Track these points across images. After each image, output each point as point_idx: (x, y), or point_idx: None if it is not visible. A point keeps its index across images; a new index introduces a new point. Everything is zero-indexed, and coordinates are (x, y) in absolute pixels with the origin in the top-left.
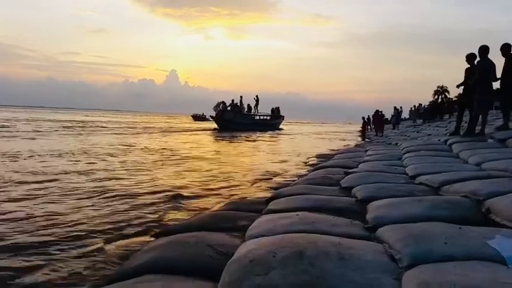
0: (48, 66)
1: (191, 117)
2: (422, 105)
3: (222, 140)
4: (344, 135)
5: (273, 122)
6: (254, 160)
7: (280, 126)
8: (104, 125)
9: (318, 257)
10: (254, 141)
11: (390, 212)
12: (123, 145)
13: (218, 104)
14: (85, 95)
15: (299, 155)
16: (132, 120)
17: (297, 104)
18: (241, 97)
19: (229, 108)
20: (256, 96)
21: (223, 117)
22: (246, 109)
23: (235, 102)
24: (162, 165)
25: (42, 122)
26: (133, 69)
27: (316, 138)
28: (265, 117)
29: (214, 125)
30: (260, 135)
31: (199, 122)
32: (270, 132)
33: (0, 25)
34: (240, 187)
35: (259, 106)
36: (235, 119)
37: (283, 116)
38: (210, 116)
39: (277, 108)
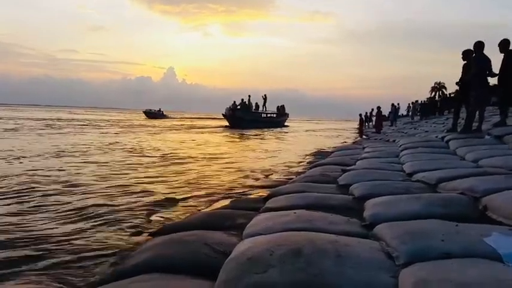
0: (46, 64)
1: (143, 114)
2: (418, 102)
3: (232, 137)
4: (342, 132)
5: (278, 119)
6: (256, 157)
7: (285, 124)
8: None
9: (316, 254)
10: (260, 138)
11: (387, 210)
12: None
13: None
14: (82, 92)
15: (298, 152)
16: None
17: (295, 100)
18: (249, 96)
19: (239, 107)
20: (265, 95)
21: (234, 116)
22: (254, 107)
23: (244, 101)
24: (159, 165)
25: (24, 120)
26: (130, 67)
27: (315, 136)
28: (271, 115)
29: (169, 123)
30: (266, 132)
31: (153, 119)
32: (275, 129)
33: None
34: (239, 185)
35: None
36: (245, 117)
37: (288, 114)
38: (222, 114)
39: (282, 106)
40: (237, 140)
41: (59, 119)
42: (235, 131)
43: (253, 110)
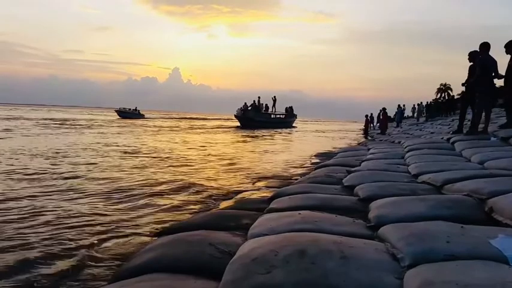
0: (51, 64)
1: (116, 113)
2: (423, 103)
3: (242, 137)
4: (348, 134)
5: (287, 120)
6: (262, 157)
7: (293, 124)
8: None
9: (320, 255)
10: (269, 138)
11: (392, 211)
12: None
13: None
14: (88, 92)
15: (304, 152)
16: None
17: (299, 101)
18: (259, 97)
19: (250, 108)
20: (274, 96)
21: (245, 116)
22: (263, 108)
23: (254, 102)
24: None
25: (45, 120)
26: (136, 67)
27: (321, 136)
28: (280, 116)
29: (142, 122)
30: (275, 132)
31: (128, 119)
32: (284, 130)
33: (4, 23)
34: (243, 185)
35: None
36: (255, 118)
37: (296, 115)
38: (234, 115)
39: (291, 108)
40: (246, 140)
41: (73, 119)
42: (246, 131)
43: (263, 111)
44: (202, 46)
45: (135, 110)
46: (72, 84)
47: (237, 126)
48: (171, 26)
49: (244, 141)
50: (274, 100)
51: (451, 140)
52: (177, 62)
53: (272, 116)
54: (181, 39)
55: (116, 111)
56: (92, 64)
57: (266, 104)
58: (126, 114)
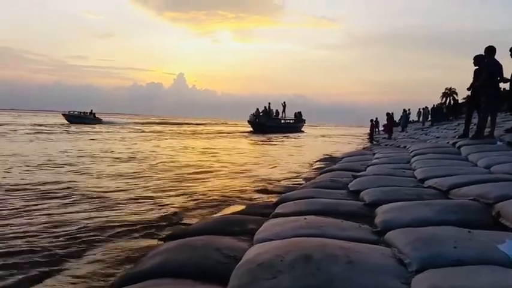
0: (55, 70)
1: (63, 117)
2: (428, 108)
3: (252, 141)
4: (353, 138)
5: (296, 125)
6: (270, 162)
7: (302, 129)
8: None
9: (326, 260)
10: (280, 142)
11: (399, 216)
12: None
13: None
14: (93, 98)
15: (310, 156)
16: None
17: (304, 106)
18: (269, 103)
19: (261, 114)
20: (284, 102)
21: (258, 122)
22: (274, 114)
23: (266, 108)
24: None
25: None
26: (141, 73)
27: (329, 141)
28: (289, 121)
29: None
30: (285, 137)
31: (80, 124)
32: (293, 134)
33: (9, 30)
34: (249, 190)
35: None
36: (267, 123)
37: (305, 120)
38: (248, 121)
39: (300, 113)
40: (256, 144)
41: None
42: (258, 136)
43: (273, 117)
44: (206, 51)
45: (91, 113)
46: (77, 90)
47: (250, 131)
48: (175, 31)
49: (253, 146)
50: (284, 106)
51: (457, 145)
52: (181, 67)
53: (282, 121)
54: (185, 45)
55: (64, 115)
56: (97, 70)
57: (277, 110)
58: (76, 118)
